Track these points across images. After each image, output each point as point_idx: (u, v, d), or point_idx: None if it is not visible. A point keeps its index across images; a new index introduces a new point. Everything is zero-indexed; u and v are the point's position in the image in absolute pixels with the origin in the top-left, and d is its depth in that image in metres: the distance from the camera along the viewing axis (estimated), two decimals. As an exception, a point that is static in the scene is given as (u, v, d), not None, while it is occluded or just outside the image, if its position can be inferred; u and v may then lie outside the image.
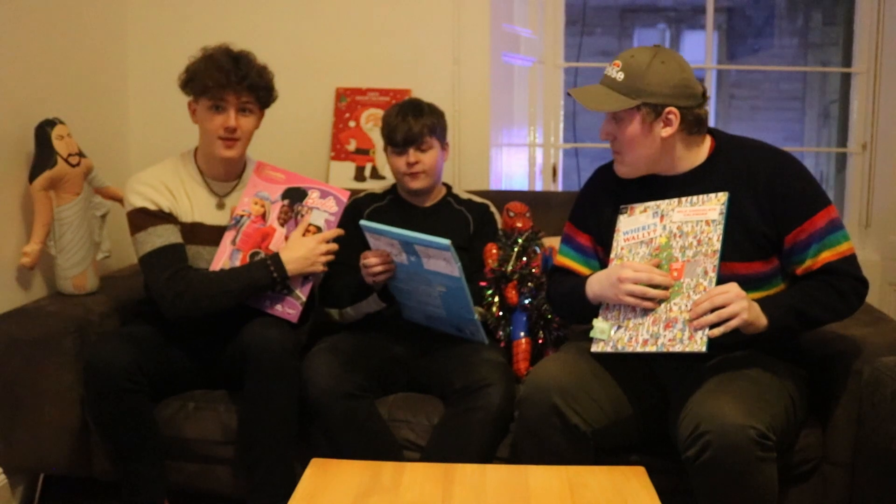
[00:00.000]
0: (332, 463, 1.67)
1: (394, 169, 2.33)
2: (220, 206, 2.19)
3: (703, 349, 1.63)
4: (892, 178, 2.99)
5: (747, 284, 1.78)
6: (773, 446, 1.61)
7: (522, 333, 2.21)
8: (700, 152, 1.85)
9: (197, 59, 2.11)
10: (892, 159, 2.98)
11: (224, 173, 2.20)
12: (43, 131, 2.30)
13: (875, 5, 2.98)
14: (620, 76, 1.77)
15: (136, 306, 2.30)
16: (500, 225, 2.41)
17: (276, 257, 2.07)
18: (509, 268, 2.23)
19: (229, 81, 2.05)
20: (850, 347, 1.93)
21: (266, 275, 2.06)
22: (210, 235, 2.15)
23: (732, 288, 1.65)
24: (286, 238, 2.13)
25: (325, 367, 2.00)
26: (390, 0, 2.91)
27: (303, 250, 2.09)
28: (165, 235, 2.09)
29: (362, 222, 2.08)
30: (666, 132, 1.78)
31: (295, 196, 2.18)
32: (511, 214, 2.33)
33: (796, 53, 7.37)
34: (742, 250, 1.79)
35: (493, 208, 2.45)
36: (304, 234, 2.13)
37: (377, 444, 2.01)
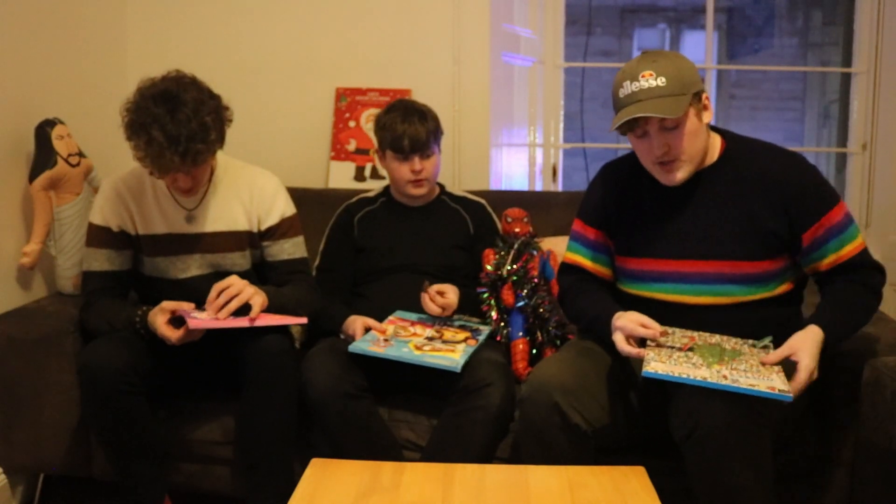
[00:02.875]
0: (332, 463, 1.67)
1: (395, 176, 2.32)
2: (190, 219, 2.15)
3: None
4: (892, 178, 2.99)
5: (752, 283, 1.80)
6: (765, 423, 1.62)
7: (521, 334, 2.21)
8: (713, 150, 1.87)
9: (138, 114, 1.93)
10: (892, 159, 2.98)
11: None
12: (43, 131, 2.30)
13: (875, 5, 2.98)
14: (662, 81, 1.73)
15: None
16: (500, 225, 2.41)
17: (145, 316, 2.00)
18: (505, 271, 2.23)
19: (174, 167, 1.93)
20: (850, 347, 1.93)
21: (132, 324, 2.01)
22: (183, 244, 2.14)
23: (808, 365, 1.66)
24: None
25: (325, 368, 2.00)
26: (390, 0, 2.91)
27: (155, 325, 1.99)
28: (100, 260, 2.11)
29: (352, 348, 2.02)
30: (708, 116, 1.82)
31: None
32: (509, 220, 2.33)
33: (796, 53, 7.38)
34: (750, 249, 1.80)
35: (489, 207, 2.45)
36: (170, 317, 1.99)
37: (377, 444, 2.01)
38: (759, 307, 1.82)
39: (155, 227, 2.13)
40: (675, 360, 1.67)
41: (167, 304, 1.97)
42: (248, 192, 2.18)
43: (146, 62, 2.96)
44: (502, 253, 2.26)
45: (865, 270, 1.84)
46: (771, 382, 1.59)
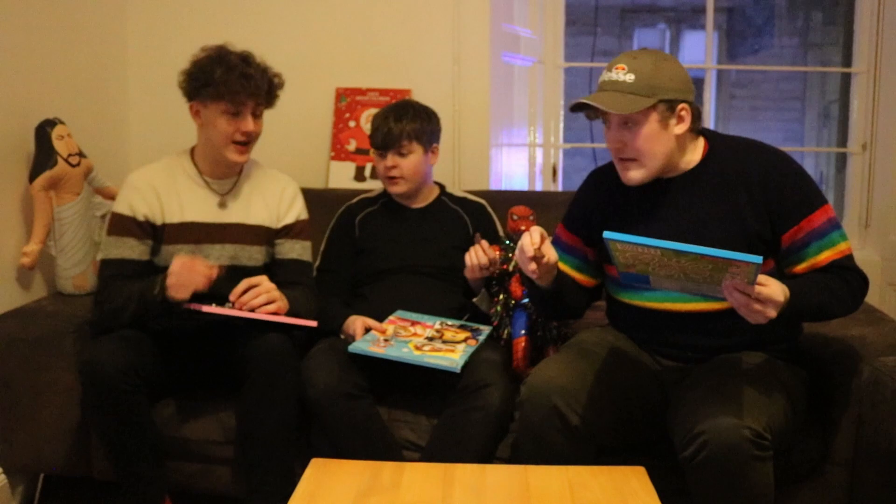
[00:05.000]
0: (332, 463, 1.67)
1: (377, 171, 2.36)
2: (223, 205, 2.20)
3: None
4: (892, 178, 2.98)
5: None
6: (769, 446, 1.60)
7: (523, 332, 2.21)
8: (696, 152, 1.86)
9: (204, 62, 2.09)
10: (892, 159, 2.98)
11: (225, 172, 2.21)
12: (43, 131, 2.30)
13: (875, 5, 2.98)
14: (630, 77, 1.74)
15: None
16: (500, 226, 2.40)
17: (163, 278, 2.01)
18: (512, 265, 2.23)
19: (250, 88, 2.07)
20: (850, 347, 1.93)
21: (150, 289, 2.00)
22: (208, 233, 2.17)
23: (776, 293, 1.57)
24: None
25: (325, 368, 2.00)
26: (390, 0, 2.91)
27: (176, 268, 1.99)
28: (121, 249, 2.12)
29: (352, 349, 2.04)
30: (680, 129, 1.78)
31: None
32: (515, 218, 2.33)
33: (796, 53, 7.39)
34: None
35: (489, 208, 2.45)
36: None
37: (377, 444, 2.01)
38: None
39: (184, 215, 2.16)
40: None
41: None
42: (273, 190, 2.26)
43: (146, 62, 2.97)
44: (510, 247, 2.26)
45: (847, 271, 1.76)
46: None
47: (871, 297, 2.76)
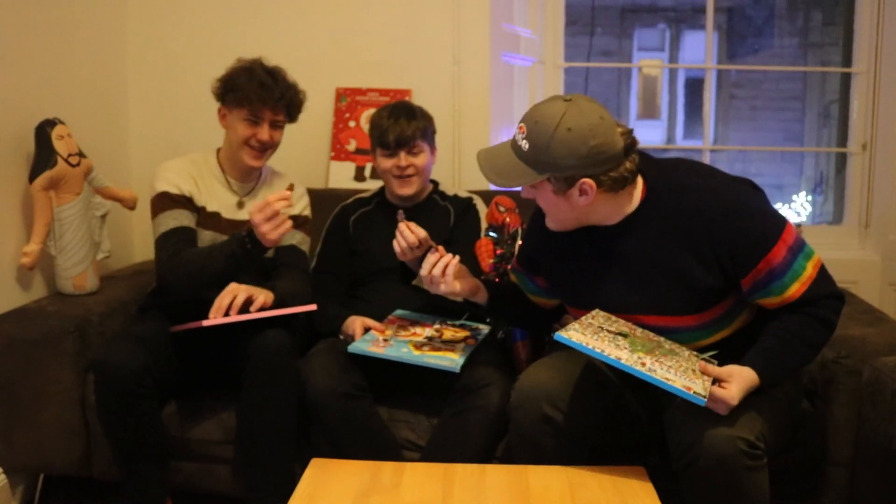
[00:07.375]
0: (332, 463, 1.67)
1: (382, 170, 2.34)
2: (241, 205, 2.30)
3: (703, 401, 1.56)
4: (892, 178, 2.99)
5: (704, 329, 1.73)
6: (762, 455, 1.58)
7: (522, 336, 2.21)
8: (632, 200, 1.71)
9: (235, 71, 2.23)
10: (892, 159, 2.98)
11: (245, 175, 2.32)
12: (43, 131, 2.30)
13: (875, 5, 2.99)
14: (525, 145, 1.62)
15: (146, 299, 2.32)
16: (485, 217, 2.40)
17: (251, 231, 2.03)
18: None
19: (270, 98, 2.19)
20: (850, 347, 1.93)
21: (241, 244, 2.03)
22: (228, 227, 2.24)
23: (733, 397, 1.56)
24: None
25: (324, 368, 2.00)
26: (390, 0, 2.91)
27: (257, 217, 2.00)
28: (179, 218, 2.18)
29: (351, 349, 2.02)
30: (583, 200, 1.65)
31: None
32: (501, 209, 2.32)
33: (796, 53, 7.39)
34: (690, 305, 1.70)
35: (476, 201, 2.45)
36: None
37: (376, 444, 2.01)
38: (723, 344, 1.73)
39: (210, 205, 2.25)
40: (598, 336, 1.61)
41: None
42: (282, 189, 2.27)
43: (146, 62, 2.97)
44: (507, 245, 2.25)
45: (816, 304, 1.66)
46: (688, 383, 1.54)
47: (871, 297, 2.77)
